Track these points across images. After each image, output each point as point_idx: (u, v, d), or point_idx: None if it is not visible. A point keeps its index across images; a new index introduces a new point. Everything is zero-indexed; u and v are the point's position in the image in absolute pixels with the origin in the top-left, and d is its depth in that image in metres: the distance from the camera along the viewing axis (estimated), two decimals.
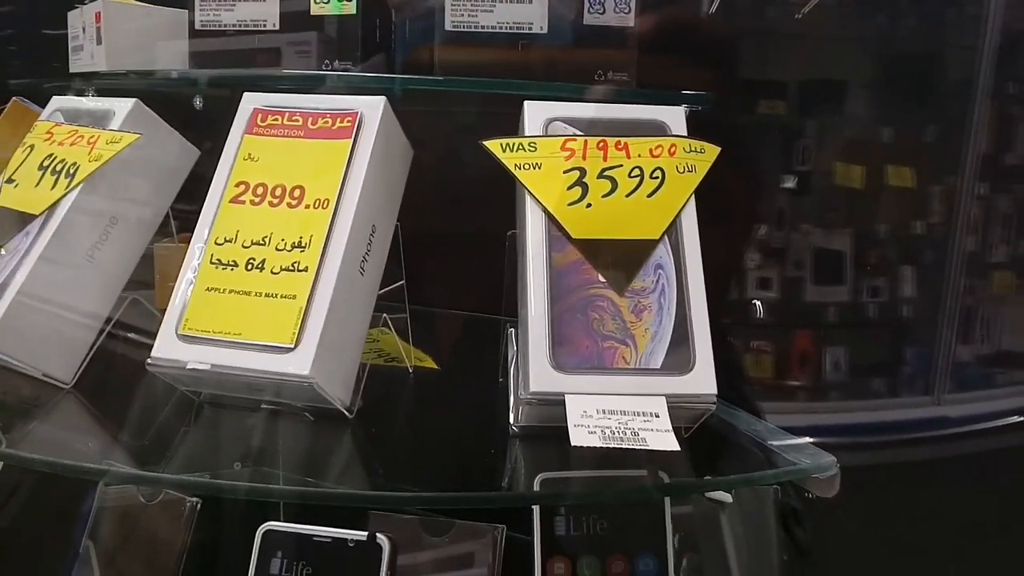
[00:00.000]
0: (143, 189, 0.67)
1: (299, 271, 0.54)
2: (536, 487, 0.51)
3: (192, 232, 0.59)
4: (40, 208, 0.61)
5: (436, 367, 0.68)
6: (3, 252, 0.60)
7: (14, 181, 0.64)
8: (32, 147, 0.66)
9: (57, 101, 0.69)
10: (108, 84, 0.71)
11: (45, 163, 0.63)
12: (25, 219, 0.62)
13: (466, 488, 0.50)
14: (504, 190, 0.60)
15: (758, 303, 1.54)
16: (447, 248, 0.84)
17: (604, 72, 0.64)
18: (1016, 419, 1.44)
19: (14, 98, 0.77)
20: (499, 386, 0.61)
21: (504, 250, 0.62)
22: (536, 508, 0.57)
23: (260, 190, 0.58)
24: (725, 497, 0.61)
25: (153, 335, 0.55)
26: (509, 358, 0.61)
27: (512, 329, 0.61)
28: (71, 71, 0.75)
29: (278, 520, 0.54)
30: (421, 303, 0.70)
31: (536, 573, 0.56)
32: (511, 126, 0.61)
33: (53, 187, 0.62)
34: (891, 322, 1.64)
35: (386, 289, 0.63)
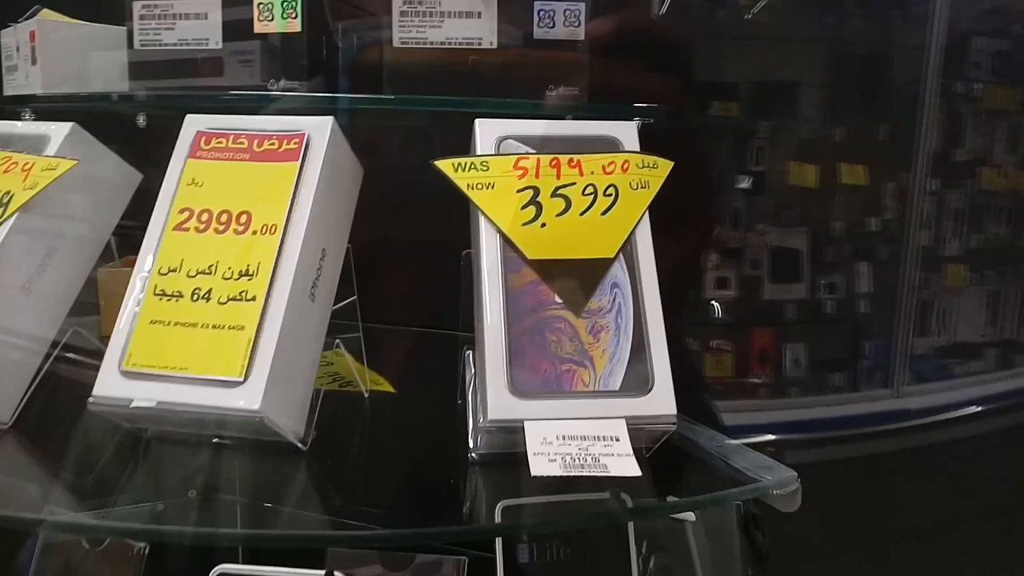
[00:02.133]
0: (83, 216, 0.65)
1: (247, 300, 0.53)
2: (498, 516, 0.50)
3: (134, 253, 0.57)
4: None
5: (392, 390, 0.67)
6: None
7: None
8: None
9: None
10: (46, 107, 0.68)
11: None
12: None
13: (427, 520, 0.49)
14: (458, 198, 0.59)
15: (716, 304, 1.55)
16: (400, 260, 0.83)
17: (555, 86, 0.64)
18: (974, 409, 1.47)
19: None
20: (457, 408, 0.60)
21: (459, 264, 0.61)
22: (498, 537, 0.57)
23: (205, 216, 0.56)
24: (688, 516, 0.61)
25: (96, 366, 0.53)
26: (467, 380, 0.60)
27: (469, 352, 0.60)
28: (4, 92, 0.73)
29: (230, 560, 0.52)
30: (374, 320, 0.69)
31: None
32: (463, 131, 0.60)
33: None
34: (849, 317, 1.66)
35: (338, 306, 0.62)
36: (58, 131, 0.63)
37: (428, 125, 0.76)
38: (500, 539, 0.56)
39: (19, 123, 0.66)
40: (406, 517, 0.49)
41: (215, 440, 0.55)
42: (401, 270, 0.82)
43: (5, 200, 0.59)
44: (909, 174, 1.67)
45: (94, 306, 0.71)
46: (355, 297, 0.64)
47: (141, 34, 0.65)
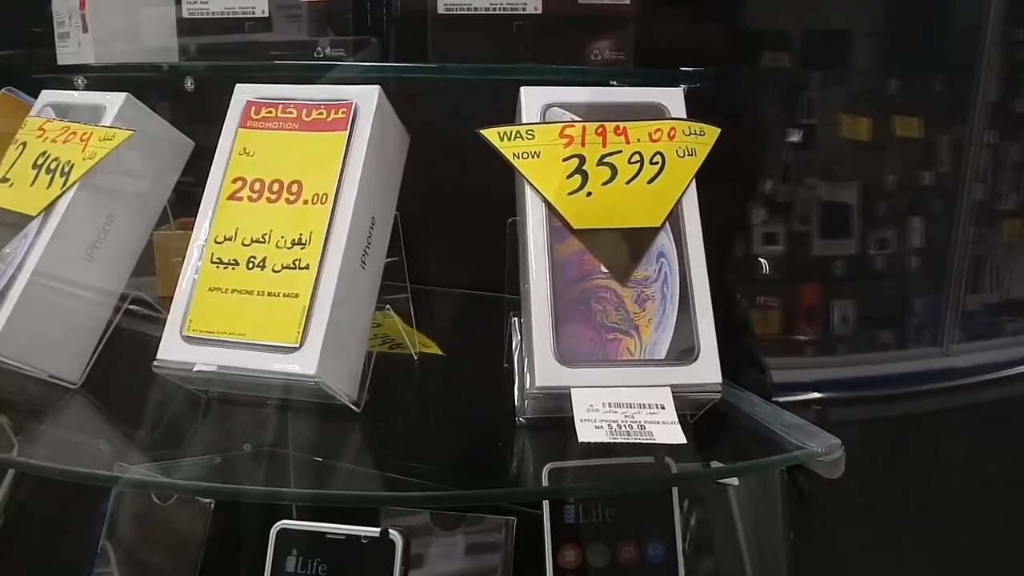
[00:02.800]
0: (139, 183, 0.67)
1: (300, 268, 0.55)
2: (545, 479, 0.52)
3: (188, 213, 0.59)
4: (37, 209, 0.61)
5: (441, 353, 0.69)
6: (7, 251, 0.61)
7: (8, 180, 0.64)
8: (25, 144, 0.65)
9: (47, 95, 0.69)
10: (98, 76, 0.70)
11: (39, 161, 0.63)
12: (22, 220, 0.62)
13: (476, 481, 0.51)
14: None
15: (763, 260, 1.54)
16: (446, 223, 0.84)
17: (601, 52, 0.64)
18: None
19: (4, 89, 0.77)
20: (504, 372, 0.62)
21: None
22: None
23: (257, 186, 0.58)
24: (732, 481, 0.62)
25: (157, 329, 0.55)
26: (513, 345, 0.61)
27: (516, 318, 0.61)
28: (59, 62, 0.74)
29: (291, 517, 0.55)
30: (420, 281, 0.71)
31: (547, 562, 0.58)
32: (510, 98, 0.61)
33: (49, 187, 0.62)
34: (899, 274, 1.64)
35: (384, 262, 0.63)
36: (113, 101, 0.66)
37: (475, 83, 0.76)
38: (547, 501, 0.58)
39: (75, 93, 0.69)
40: (457, 478, 0.51)
41: (273, 401, 0.57)
42: (448, 232, 0.83)
43: (67, 169, 0.62)
44: (966, 126, 1.62)
45: (151, 267, 0.74)
46: (402, 257, 0.65)
47: (189, 4, 0.66)
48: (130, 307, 0.67)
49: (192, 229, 0.58)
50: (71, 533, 0.69)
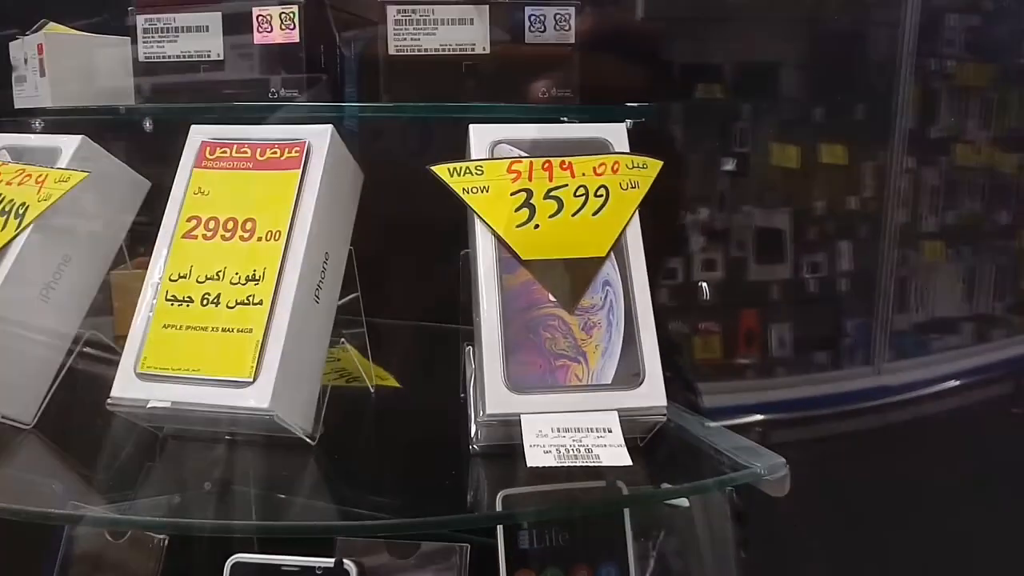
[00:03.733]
0: (95, 224, 0.65)
1: (254, 304, 0.53)
2: (499, 505, 0.51)
3: (144, 252, 0.58)
4: None
5: (398, 385, 0.68)
6: None
7: None
8: None
9: (2, 139, 0.66)
10: (55, 118, 0.68)
11: None
12: None
13: (431, 509, 0.50)
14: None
15: (704, 285, 1.55)
16: (401, 258, 0.83)
17: (548, 90, 0.64)
18: (953, 383, 1.48)
19: None
20: (460, 402, 0.61)
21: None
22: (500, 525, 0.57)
23: (212, 224, 0.56)
24: (682, 502, 0.62)
25: (112, 369, 0.53)
26: (468, 375, 0.60)
27: (469, 348, 0.60)
28: (16, 106, 0.73)
29: (246, 551, 0.53)
30: (377, 315, 0.70)
31: None
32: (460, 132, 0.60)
33: (3, 228, 0.60)
34: (831, 296, 1.67)
35: (342, 301, 0.62)
36: (68, 144, 0.64)
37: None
38: (501, 526, 0.57)
39: (31, 136, 0.67)
40: (411, 507, 0.50)
41: (228, 437, 0.56)
42: (402, 266, 0.82)
43: (21, 211, 0.60)
44: (886, 152, 1.66)
45: (107, 307, 0.71)
46: (358, 294, 0.64)
47: (145, 47, 0.65)
48: (85, 348, 0.64)
49: None
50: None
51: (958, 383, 1.47)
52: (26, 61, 0.72)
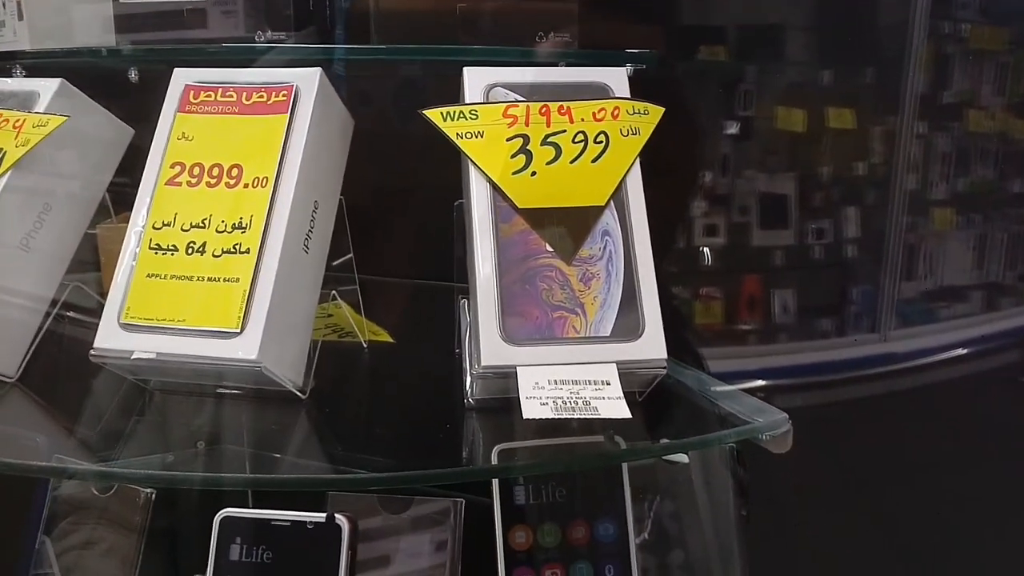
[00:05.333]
0: (76, 171, 0.64)
1: (241, 253, 0.53)
2: (494, 459, 0.51)
3: (130, 210, 0.57)
4: None
5: (391, 340, 0.68)
6: None
7: None
8: None
9: None
10: (35, 62, 0.67)
11: None
12: None
13: (425, 464, 0.50)
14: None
15: (706, 250, 1.55)
16: (393, 213, 0.83)
17: (545, 33, 0.63)
18: (960, 351, 1.48)
19: None
20: (455, 357, 0.61)
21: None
22: (495, 480, 0.57)
23: (196, 170, 0.56)
24: (681, 458, 0.62)
25: (96, 322, 0.53)
26: (463, 329, 0.60)
27: (464, 300, 0.60)
28: None
29: (235, 506, 0.53)
30: (371, 273, 0.69)
31: (498, 542, 0.57)
32: (453, 84, 0.59)
33: None
34: (837, 263, 1.66)
35: (336, 262, 0.62)
36: (47, 87, 0.63)
37: (419, 75, 0.75)
38: (497, 481, 0.57)
39: (8, 80, 0.65)
40: (404, 461, 0.50)
41: (218, 390, 0.55)
42: (396, 221, 0.82)
43: None
44: (896, 117, 1.65)
45: (93, 264, 0.71)
46: (351, 255, 0.64)
47: None
48: (68, 301, 0.64)
49: None
50: (6, 534, 0.66)
51: (965, 351, 1.47)
52: (3, 5, 0.71)
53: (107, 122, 0.67)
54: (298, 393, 0.54)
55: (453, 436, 0.53)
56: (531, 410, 0.47)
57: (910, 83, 1.62)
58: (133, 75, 0.66)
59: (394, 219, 0.81)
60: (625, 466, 0.58)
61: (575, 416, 0.47)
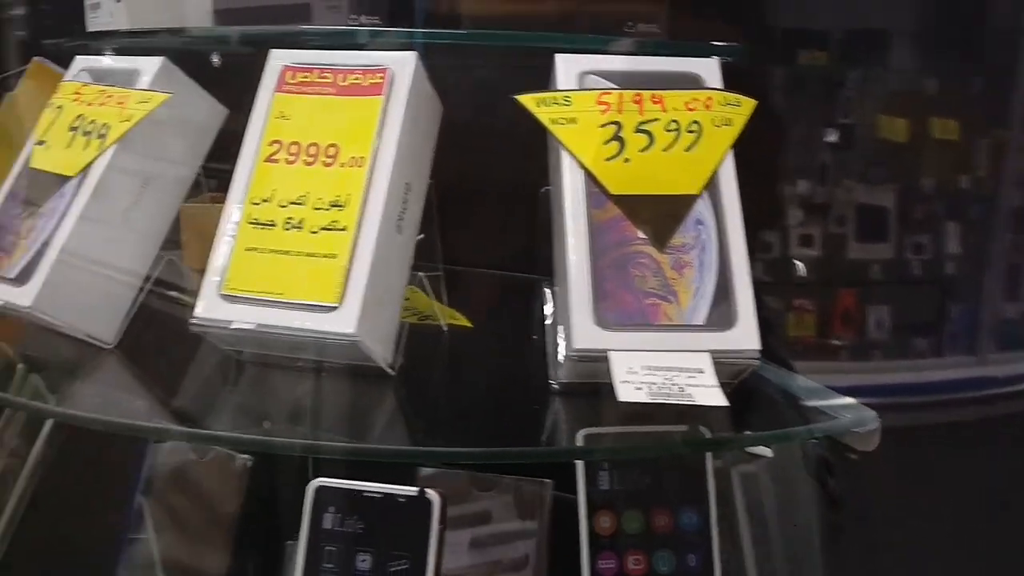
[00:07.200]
0: (174, 149, 0.71)
1: (338, 230, 0.57)
2: (579, 443, 0.54)
3: (216, 190, 0.62)
4: (75, 170, 0.65)
5: (469, 325, 0.72)
6: (44, 209, 0.64)
7: (45, 142, 0.68)
8: (61, 108, 0.69)
9: (82, 61, 0.72)
10: (131, 43, 0.73)
11: (76, 124, 0.67)
12: (58, 180, 0.66)
13: (510, 444, 0.54)
14: (532, 145, 0.63)
15: (799, 263, 1.56)
16: (476, 206, 0.87)
17: (634, 23, 0.67)
18: None
19: (35, 58, 0.80)
20: (533, 344, 0.64)
21: (532, 209, 0.65)
22: (580, 463, 0.61)
23: (294, 149, 0.61)
24: (765, 451, 0.65)
25: (188, 294, 0.58)
26: (546, 316, 0.64)
27: (547, 288, 0.64)
28: (89, 29, 0.77)
29: (327, 477, 0.58)
30: (451, 262, 0.74)
31: (581, 527, 0.60)
32: (536, 81, 0.63)
33: (85, 148, 0.65)
34: (936, 279, 1.65)
35: (417, 238, 0.66)
36: (149, 66, 0.69)
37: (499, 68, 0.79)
38: (582, 466, 0.61)
39: (110, 59, 0.72)
40: (491, 439, 0.54)
41: (301, 364, 0.60)
42: (477, 213, 0.86)
43: (104, 131, 0.65)
44: (1004, 130, 1.64)
45: (175, 242, 0.77)
46: (436, 240, 0.68)
47: None
48: (160, 276, 0.70)
49: (221, 204, 0.61)
50: (105, 496, 0.72)
51: None
52: None
53: (204, 102, 0.73)
54: (388, 369, 0.59)
55: (538, 418, 0.57)
56: (626, 393, 0.49)
57: (1021, 94, 1.61)
58: (216, 60, 0.71)
59: (473, 210, 0.86)
60: (709, 457, 0.61)
61: (670, 401, 0.49)
